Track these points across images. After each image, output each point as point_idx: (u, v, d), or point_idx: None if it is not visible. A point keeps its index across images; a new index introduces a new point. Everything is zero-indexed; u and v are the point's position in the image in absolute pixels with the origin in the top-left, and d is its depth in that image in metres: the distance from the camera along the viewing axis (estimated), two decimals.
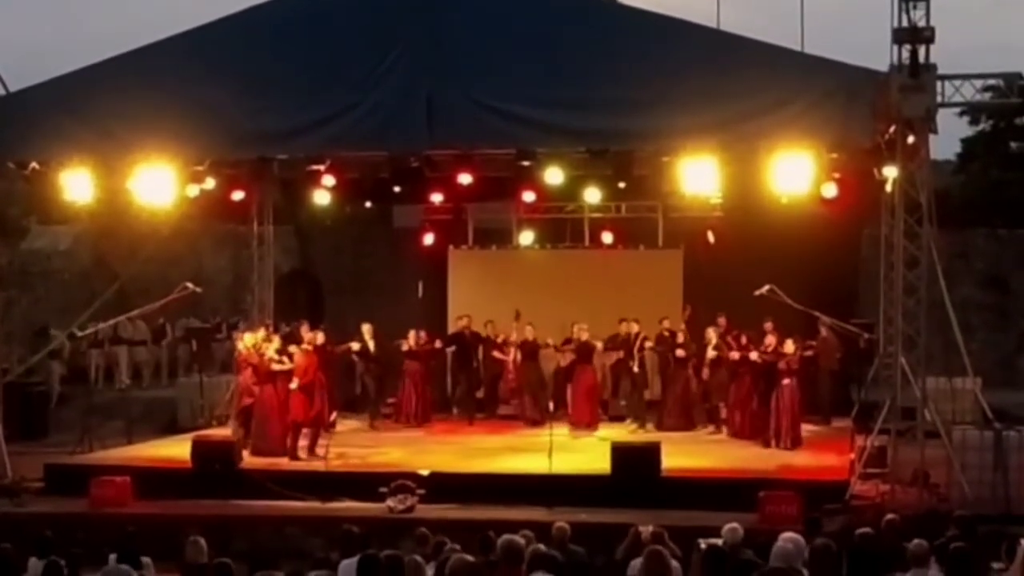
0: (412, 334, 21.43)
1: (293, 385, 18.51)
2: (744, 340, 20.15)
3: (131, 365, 26.70)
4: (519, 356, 21.90)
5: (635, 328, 21.16)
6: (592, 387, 21.50)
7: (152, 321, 24.63)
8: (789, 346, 19.33)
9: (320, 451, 18.29)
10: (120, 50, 17.79)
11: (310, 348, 19.01)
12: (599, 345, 21.36)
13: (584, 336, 21.18)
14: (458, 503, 15.92)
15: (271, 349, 18.92)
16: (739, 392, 20.22)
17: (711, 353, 20.76)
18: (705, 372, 21.12)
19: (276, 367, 18.70)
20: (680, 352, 21.07)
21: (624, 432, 20.30)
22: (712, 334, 20.72)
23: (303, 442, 18.53)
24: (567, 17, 16.91)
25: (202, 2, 22.31)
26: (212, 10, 17.85)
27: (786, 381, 19.15)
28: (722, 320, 20.81)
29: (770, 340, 19.66)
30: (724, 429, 20.69)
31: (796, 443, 19.09)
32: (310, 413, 18.58)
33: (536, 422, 20.96)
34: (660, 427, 20.84)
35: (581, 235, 24.41)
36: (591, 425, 20.87)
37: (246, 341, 19.60)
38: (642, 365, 21.38)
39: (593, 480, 16.47)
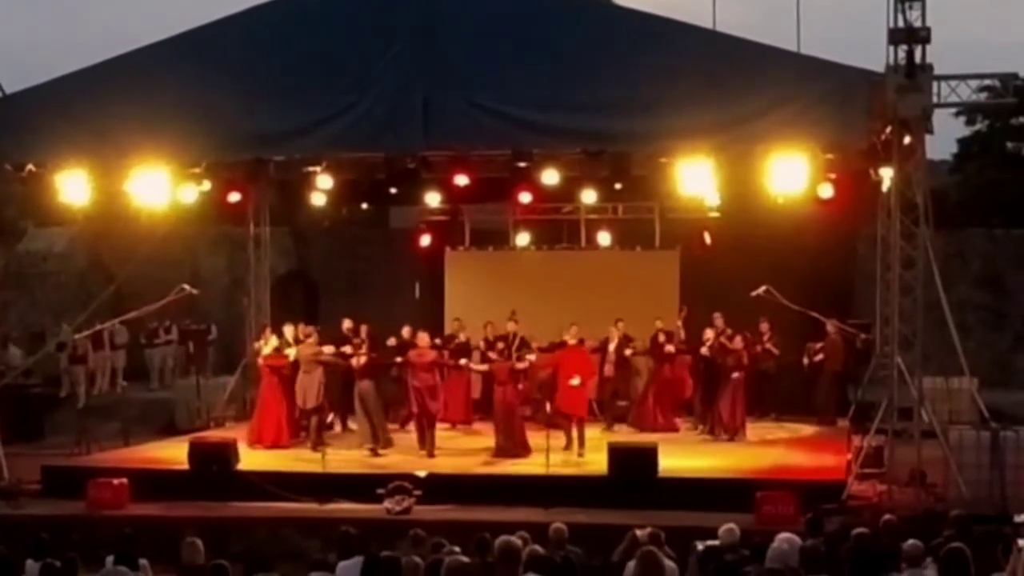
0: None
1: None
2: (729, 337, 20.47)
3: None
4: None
5: (512, 327, 20.78)
6: (461, 387, 21.46)
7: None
8: (738, 342, 20.04)
9: None
10: (117, 51, 17.82)
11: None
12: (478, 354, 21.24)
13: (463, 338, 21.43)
14: (455, 504, 15.94)
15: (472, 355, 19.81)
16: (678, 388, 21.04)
17: (627, 352, 21.19)
18: (608, 369, 21.38)
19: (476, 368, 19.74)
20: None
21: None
22: (613, 333, 21.14)
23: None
24: (563, 18, 16.92)
25: (199, 4, 22.33)
26: (209, 12, 17.87)
27: (735, 375, 19.77)
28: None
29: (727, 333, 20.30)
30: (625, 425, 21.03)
31: (738, 435, 19.82)
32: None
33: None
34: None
35: (578, 236, 24.40)
36: (457, 424, 21.15)
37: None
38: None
39: (590, 481, 16.50)
